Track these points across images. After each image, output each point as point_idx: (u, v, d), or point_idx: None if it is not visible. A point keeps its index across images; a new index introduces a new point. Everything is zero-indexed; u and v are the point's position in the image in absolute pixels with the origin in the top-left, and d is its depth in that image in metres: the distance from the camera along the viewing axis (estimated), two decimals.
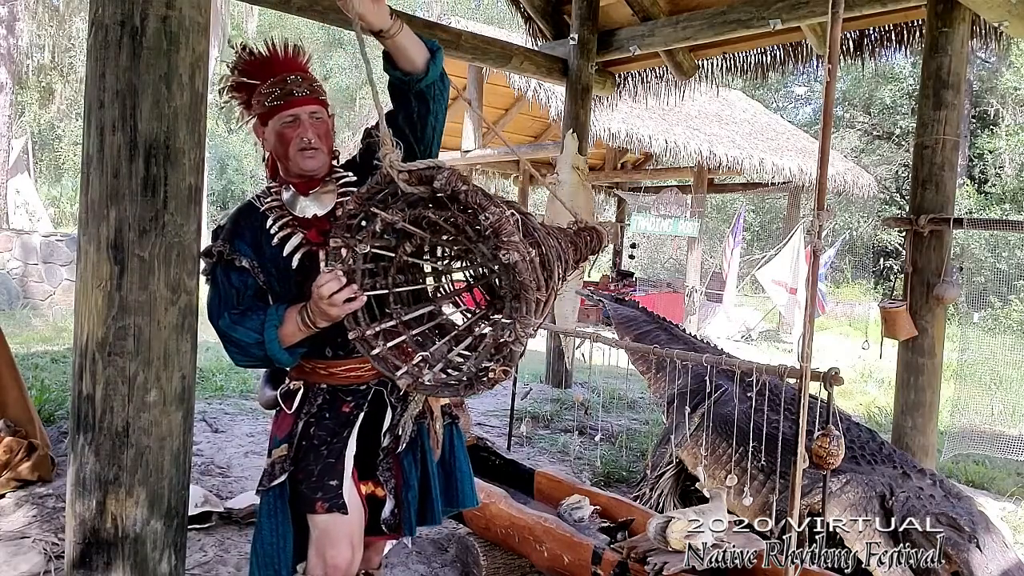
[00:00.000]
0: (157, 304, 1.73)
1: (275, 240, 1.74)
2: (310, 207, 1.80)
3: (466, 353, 1.59)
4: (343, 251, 1.57)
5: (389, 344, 1.60)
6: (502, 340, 1.45)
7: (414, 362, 1.57)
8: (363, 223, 1.57)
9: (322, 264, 1.71)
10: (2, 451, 3.49)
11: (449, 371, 1.56)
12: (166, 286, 1.74)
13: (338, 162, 1.91)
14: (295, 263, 1.73)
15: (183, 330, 1.78)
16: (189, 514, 1.98)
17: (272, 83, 1.76)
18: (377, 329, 1.61)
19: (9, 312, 8.82)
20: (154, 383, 1.73)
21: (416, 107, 1.78)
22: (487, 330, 1.55)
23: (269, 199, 1.80)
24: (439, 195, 1.48)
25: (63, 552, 2.27)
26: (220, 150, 22.77)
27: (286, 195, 1.80)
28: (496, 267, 1.55)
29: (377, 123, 1.91)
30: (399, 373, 1.55)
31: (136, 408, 1.71)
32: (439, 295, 1.76)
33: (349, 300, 1.56)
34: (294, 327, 1.65)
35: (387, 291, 1.65)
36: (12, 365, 3.83)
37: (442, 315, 1.72)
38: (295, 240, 1.74)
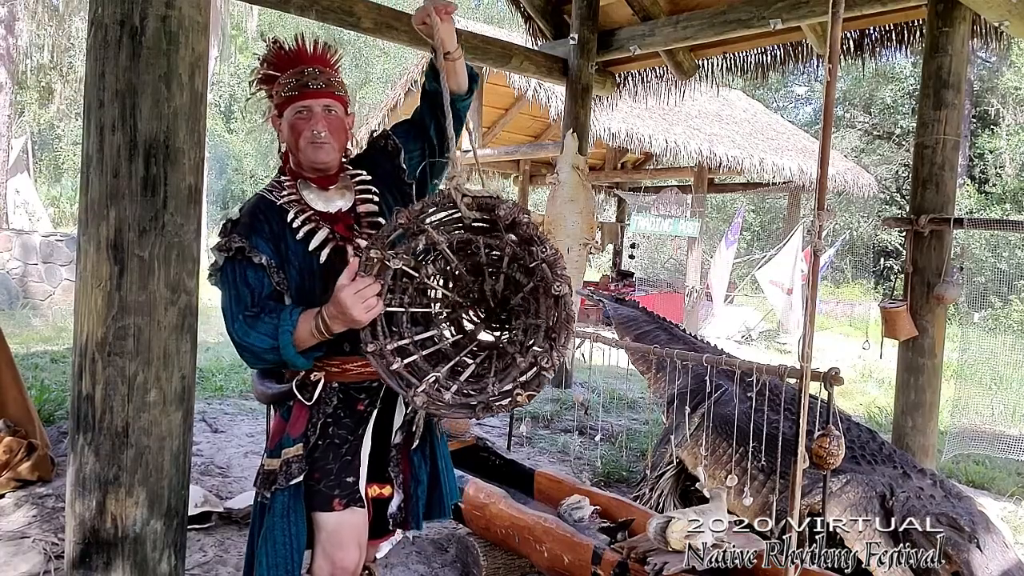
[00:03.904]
0: (157, 304, 1.72)
1: (300, 234, 1.73)
2: (332, 202, 1.80)
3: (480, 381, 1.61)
4: (376, 264, 1.58)
5: (405, 361, 1.60)
6: (539, 367, 1.49)
7: (430, 380, 1.58)
8: (405, 239, 1.59)
9: (351, 257, 1.72)
10: (2, 451, 3.49)
11: (464, 392, 1.57)
12: (166, 286, 1.74)
13: (348, 158, 1.91)
14: (323, 258, 1.73)
15: (183, 330, 1.78)
16: (189, 514, 1.98)
17: (290, 74, 1.78)
18: (396, 344, 1.61)
19: (9, 312, 8.82)
20: (154, 383, 1.73)
21: (451, 121, 1.83)
22: (520, 358, 1.55)
23: (285, 193, 1.79)
24: (495, 224, 1.54)
25: (63, 552, 2.27)
26: (220, 150, 22.79)
27: (305, 190, 1.80)
28: (530, 298, 1.60)
29: (385, 129, 1.94)
30: (416, 390, 1.55)
31: (136, 408, 1.71)
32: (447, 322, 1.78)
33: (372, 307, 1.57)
34: (308, 332, 1.63)
35: (404, 310, 1.66)
36: (12, 365, 3.83)
37: (444, 341, 1.73)
38: (322, 234, 1.74)
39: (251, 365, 1.75)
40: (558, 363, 1.50)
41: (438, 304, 1.75)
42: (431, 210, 1.57)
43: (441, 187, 1.59)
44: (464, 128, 1.99)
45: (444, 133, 1.83)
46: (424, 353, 1.66)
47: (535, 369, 1.50)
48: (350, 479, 1.76)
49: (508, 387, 1.52)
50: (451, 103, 1.77)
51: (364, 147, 1.98)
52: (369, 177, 1.88)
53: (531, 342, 1.56)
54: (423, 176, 1.96)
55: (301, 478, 1.73)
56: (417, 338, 1.67)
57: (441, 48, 1.72)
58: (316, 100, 1.76)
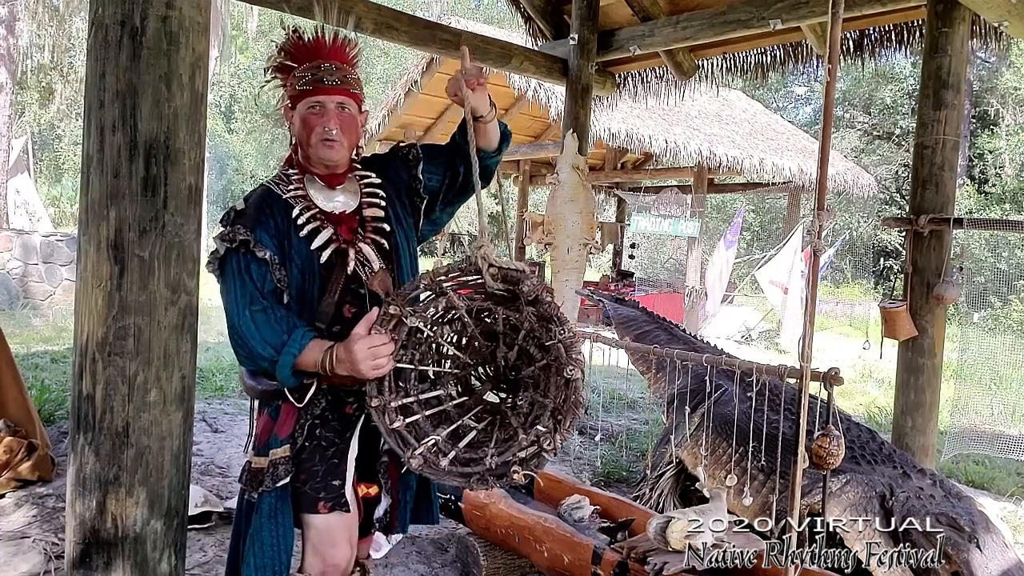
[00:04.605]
0: (157, 304, 1.72)
1: (303, 232, 1.72)
2: (337, 202, 1.79)
3: (480, 451, 1.61)
4: (393, 320, 1.59)
5: (407, 420, 1.61)
6: (540, 447, 1.50)
7: (429, 443, 1.58)
8: (423, 299, 1.62)
9: (351, 261, 1.72)
10: (2, 451, 3.49)
11: (460, 461, 1.58)
12: (166, 286, 1.73)
13: (359, 157, 1.91)
14: (324, 258, 1.73)
15: (183, 330, 1.78)
16: (189, 514, 1.98)
17: (306, 67, 1.76)
18: (400, 402, 1.62)
19: (9, 312, 8.82)
20: (154, 383, 1.73)
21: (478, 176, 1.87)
22: (522, 435, 1.56)
23: (292, 188, 1.78)
24: (517, 296, 1.56)
25: (63, 552, 2.27)
26: (220, 150, 22.78)
27: (311, 186, 1.79)
28: (542, 376, 1.61)
29: (413, 142, 1.96)
30: (414, 452, 1.56)
31: (136, 408, 1.71)
32: (452, 384, 1.79)
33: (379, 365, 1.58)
34: (311, 362, 1.64)
35: (413, 367, 1.67)
36: (12, 365, 3.84)
37: (448, 401, 1.74)
38: (325, 235, 1.73)
39: (239, 360, 1.75)
40: (560, 446, 1.51)
41: (448, 363, 1.76)
42: (454, 274, 1.59)
43: (469, 254, 1.61)
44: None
45: (469, 179, 1.86)
46: (427, 413, 1.67)
47: (536, 448, 1.51)
48: (336, 482, 1.75)
49: (507, 460, 1.52)
50: (480, 157, 1.78)
51: (387, 151, 1.99)
52: (379, 180, 1.87)
53: (536, 419, 1.56)
54: (432, 202, 1.97)
55: (288, 480, 1.73)
56: (422, 397, 1.68)
57: (470, 115, 1.74)
58: (330, 97, 1.75)
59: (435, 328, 1.67)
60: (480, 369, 1.78)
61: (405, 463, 1.58)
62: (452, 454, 1.58)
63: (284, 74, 1.83)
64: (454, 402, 1.74)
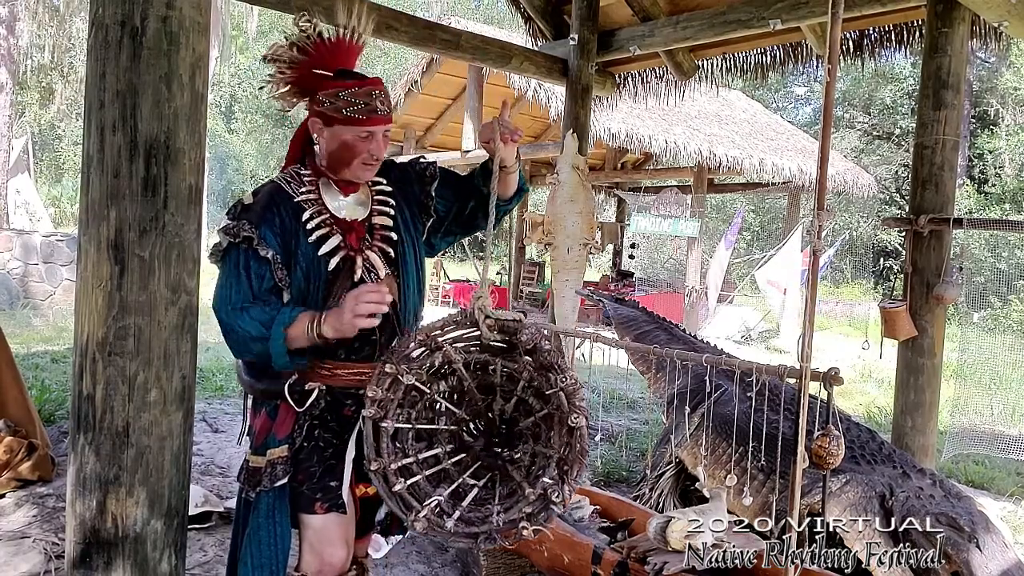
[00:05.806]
0: (157, 304, 1.72)
1: (313, 237, 1.72)
2: (349, 209, 1.80)
3: (487, 508, 1.59)
4: (389, 379, 1.58)
5: (408, 482, 1.59)
6: (548, 500, 1.47)
7: (431, 504, 1.55)
8: (422, 355, 1.60)
9: (358, 268, 1.73)
10: (2, 451, 3.49)
11: (466, 520, 1.55)
12: (166, 286, 1.73)
13: None
14: (332, 265, 1.72)
15: (183, 330, 1.78)
16: (190, 514, 1.98)
17: (355, 93, 1.71)
18: (400, 464, 1.60)
19: (9, 312, 8.82)
20: (154, 383, 1.73)
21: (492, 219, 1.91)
22: (528, 489, 1.54)
23: (304, 189, 1.77)
24: (514, 345, 1.55)
25: (63, 552, 2.27)
26: (220, 150, 22.79)
27: (325, 191, 1.79)
28: (542, 429, 1.59)
29: (435, 161, 1.97)
30: (417, 515, 1.53)
31: (136, 408, 1.71)
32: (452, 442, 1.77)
33: (371, 316, 1.59)
34: (301, 332, 1.63)
35: (410, 426, 1.65)
36: (12, 365, 3.84)
37: (447, 459, 1.72)
38: (334, 241, 1.73)
39: (235, 353, 1.75)
40: (569, 498, 1.49)
41: (444, 419, 1.74)
42: (450, 327, 1.59)
43: (467, 307, 1.62)
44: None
45: (476, 215, 1.91)
46: (427, 473, 1.64)
47: (543, 501, 1.47)
48: (333, 483, 1.75)
49: (514, 517, 1.49)
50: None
51: (406, 162, 2.00)
52: (389, 188, 1.88)
53: (540, 472, 1.54)
54: (435, 227, 1.98)
55: (286, 480, 1.73)
56: (421, 456, 1.66)
57: (497, 164, 1.78)
58: (381, 127, 1.75)
59: (431, 384, 1.66)
60: (471, 424, 1.75)
61: (408, 527, 1.55)
62: (457, 514, 1.54)
63: (295, 69, 1.77)
64: (452, 459, 1.71)
